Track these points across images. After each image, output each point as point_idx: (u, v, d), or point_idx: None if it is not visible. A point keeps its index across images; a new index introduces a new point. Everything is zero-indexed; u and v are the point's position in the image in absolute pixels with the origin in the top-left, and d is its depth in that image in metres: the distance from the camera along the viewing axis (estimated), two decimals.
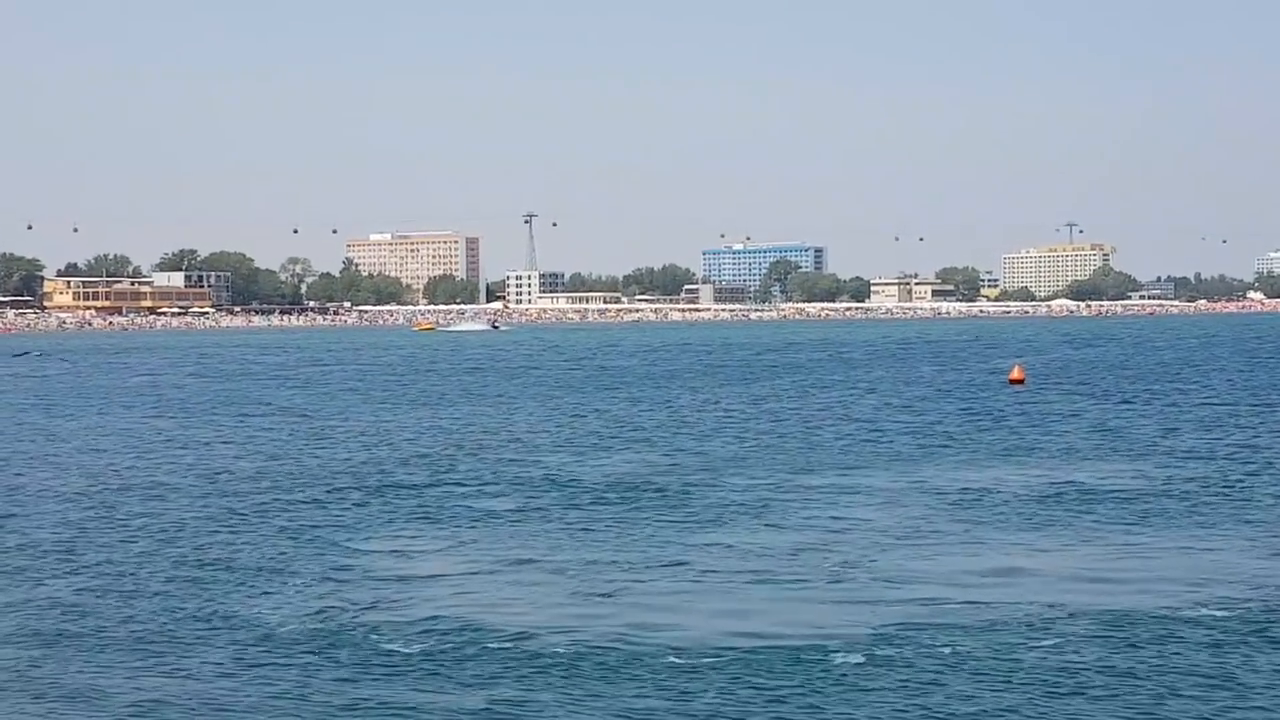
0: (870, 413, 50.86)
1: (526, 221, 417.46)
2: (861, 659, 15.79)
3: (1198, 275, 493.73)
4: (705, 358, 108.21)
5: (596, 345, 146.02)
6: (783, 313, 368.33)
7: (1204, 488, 29.36)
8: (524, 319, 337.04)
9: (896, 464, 34.63)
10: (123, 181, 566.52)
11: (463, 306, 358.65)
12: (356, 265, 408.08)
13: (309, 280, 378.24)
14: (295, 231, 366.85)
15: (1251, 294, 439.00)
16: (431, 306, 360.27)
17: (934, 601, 18.57)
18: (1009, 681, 14.93)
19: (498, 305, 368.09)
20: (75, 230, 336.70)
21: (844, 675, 15.25)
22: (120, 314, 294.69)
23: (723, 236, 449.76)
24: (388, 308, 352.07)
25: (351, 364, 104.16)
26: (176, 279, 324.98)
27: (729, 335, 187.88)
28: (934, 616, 17.75)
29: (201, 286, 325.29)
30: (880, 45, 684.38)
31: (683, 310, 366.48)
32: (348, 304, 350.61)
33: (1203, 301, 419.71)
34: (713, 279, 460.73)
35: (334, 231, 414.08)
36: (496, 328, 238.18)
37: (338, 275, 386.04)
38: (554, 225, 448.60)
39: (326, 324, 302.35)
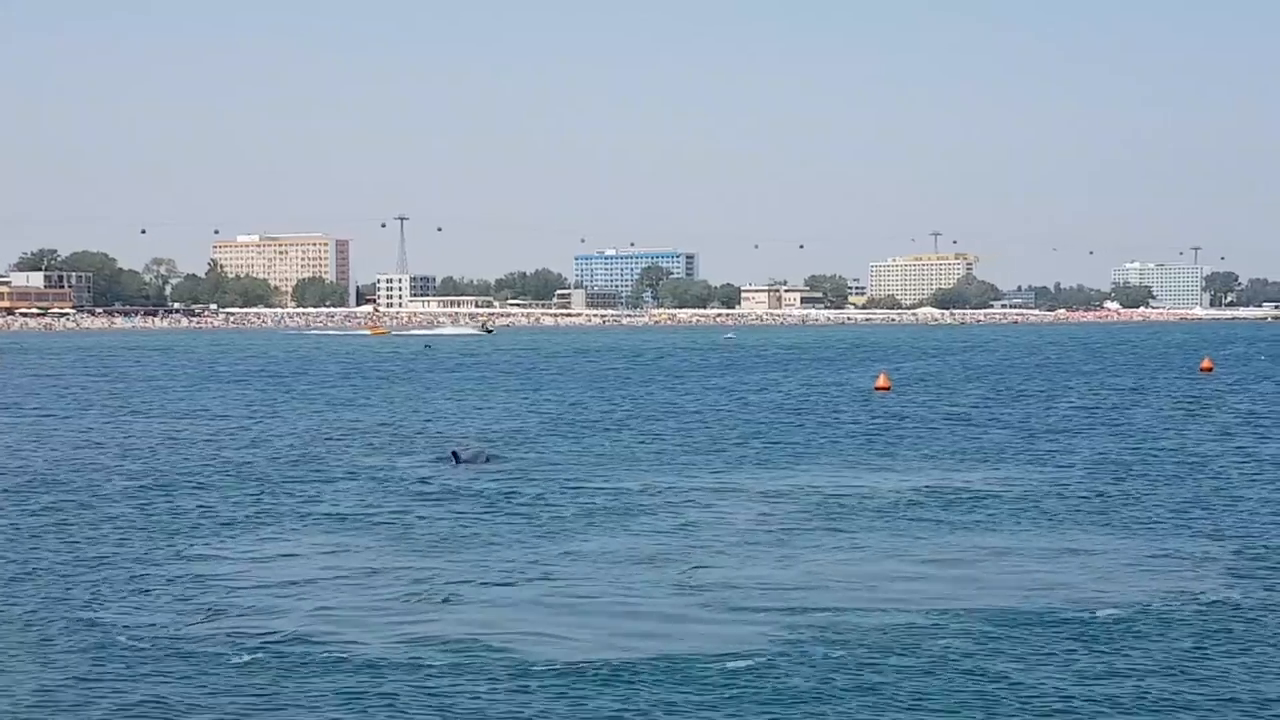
0: (735, 417, 50.90)
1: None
2: (720, 669, 15.54)
3: (1057, 285, 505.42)
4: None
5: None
6: (654, 318, 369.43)
7: (1065, 490, 29.70)
8: (395, 322, 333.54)
9: (758, 468, 34.64)
10: None
11: (332, 310, 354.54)
12: (223, 267, 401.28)
13: (174, 282, 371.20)
14: (143, 232, 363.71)
15: (1109, 304, 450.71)
16: (300, 309, 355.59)
17: (794, 610, 18.40)
18: (874, 690, 14.79)
19: (368, 309, 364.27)
20: None
21: (701, 687, 14.99)
22: None
23: (583, 241, 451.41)
24: (255, 310, 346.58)
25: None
26: (36, 279, 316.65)
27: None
28: (794, 626, 17.58)
29: (62, 287, 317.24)
30: (746, 54, 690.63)
31: (555, 315, 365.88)
32: (214, 306, 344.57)
33: (1062, 310, 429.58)
34: (585, 284, 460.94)
35: (216, 231, 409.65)
36: (489, 331, 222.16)
37: (203, 276, 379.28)
38: (439, 230, 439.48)
39: (192, 326, 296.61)
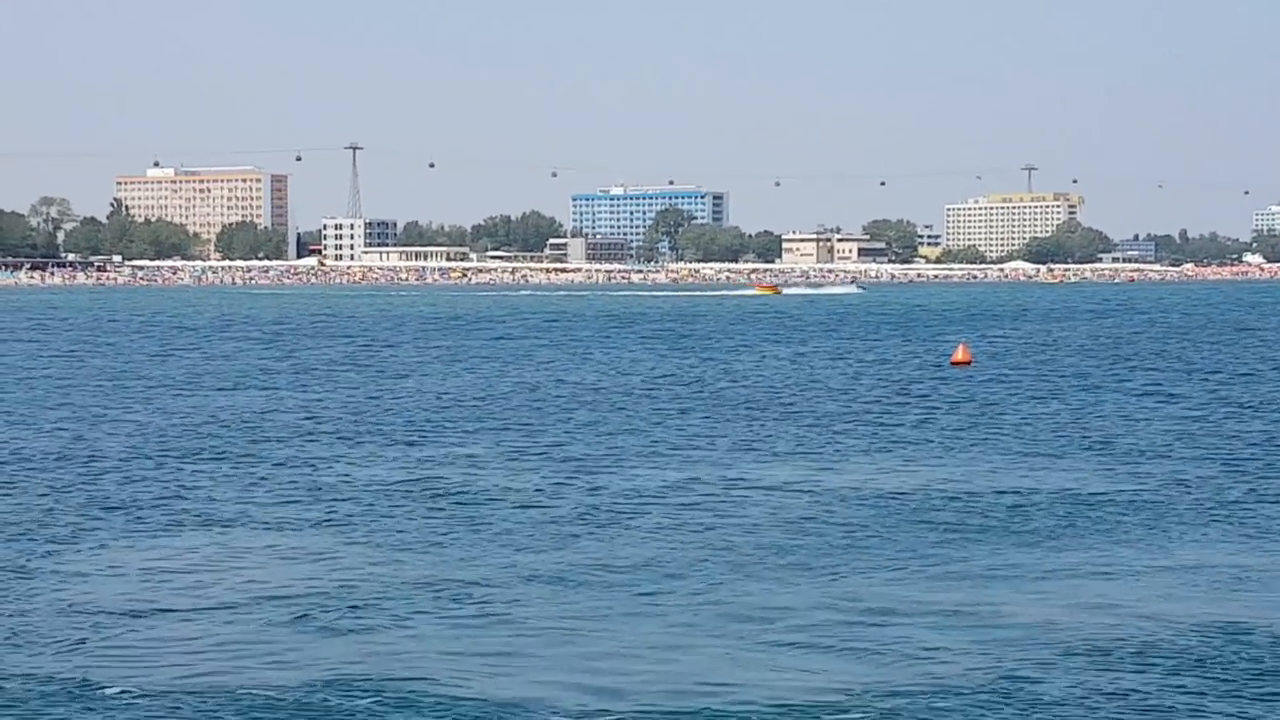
0: (780, 397, 50.21)
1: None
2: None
3: (1184, 234, 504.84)
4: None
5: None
6: (672, 274, 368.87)
7: (1177, 495, 28.75)
8: (346, 279, 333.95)
9: (794, 460, 34.18)
10: None
11: (267, 263, 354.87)
12: (129, 209, 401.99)
13: (68, 227, 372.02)
14: None
15: (1249, 257, 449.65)
16: (228, 263, 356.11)
17: (855, 651, 17.45)
18: None
19: (311, 262, 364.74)
20: None
21: None
22: None
23: (555, 175, 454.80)
24: (170, 263, 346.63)
25: None
26: None
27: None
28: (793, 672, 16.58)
29: None
30: None
31: (547, 270, 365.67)
32: (118, 257, 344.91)
33: (1190, 265, 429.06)
34: (585, 231, 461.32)
35: (156, 163, 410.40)
36: (863, 288, 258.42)
37: (105, 221, 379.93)
38: (431, 166, 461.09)
39: (94, 283, 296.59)
